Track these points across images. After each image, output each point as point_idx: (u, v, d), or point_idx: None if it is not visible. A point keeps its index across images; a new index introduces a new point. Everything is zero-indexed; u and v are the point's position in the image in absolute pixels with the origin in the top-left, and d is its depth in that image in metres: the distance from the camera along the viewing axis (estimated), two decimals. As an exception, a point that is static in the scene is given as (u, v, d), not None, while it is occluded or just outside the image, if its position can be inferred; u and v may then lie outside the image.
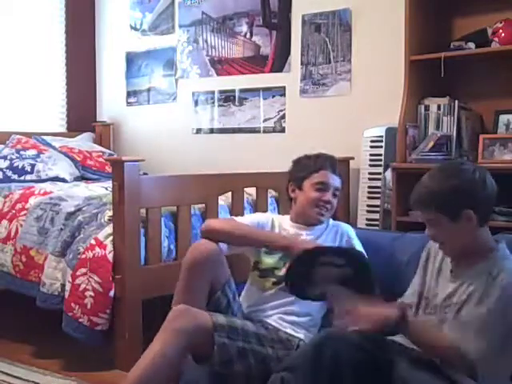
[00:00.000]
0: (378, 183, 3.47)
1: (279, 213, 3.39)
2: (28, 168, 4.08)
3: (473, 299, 1.77)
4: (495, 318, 1.71)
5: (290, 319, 2.28)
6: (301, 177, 2.44)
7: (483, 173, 1.88)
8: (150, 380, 1.97)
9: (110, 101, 5.16)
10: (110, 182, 2.95)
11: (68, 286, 2.87)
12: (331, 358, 1.68)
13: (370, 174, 3.53)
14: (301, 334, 2.25)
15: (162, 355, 1.96)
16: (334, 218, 2.57)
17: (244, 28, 4.37)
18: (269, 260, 2.36)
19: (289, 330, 2.26)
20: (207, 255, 2.23)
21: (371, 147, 3.53)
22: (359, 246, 2.42)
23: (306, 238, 2.36)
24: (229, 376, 2.11)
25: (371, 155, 3.53)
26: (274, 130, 4.26)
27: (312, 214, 2.39)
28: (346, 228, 2.48)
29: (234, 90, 4.44)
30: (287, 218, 2.49)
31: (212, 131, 4.57)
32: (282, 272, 2.29)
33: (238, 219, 2.48)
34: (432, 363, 1.79)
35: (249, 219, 2.47)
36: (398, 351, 1.84)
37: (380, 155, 3.48)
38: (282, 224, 2.45)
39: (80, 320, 2.80)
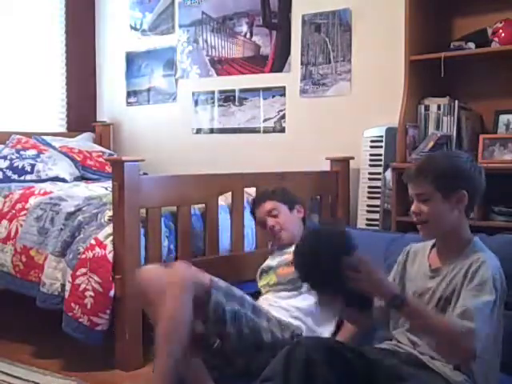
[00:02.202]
0: (378, 183, 3.47)
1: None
2: (28, 168, 4.08)
3: (456, 292, 1.78)
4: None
5: (288, 311, 2.33)
6: None
7: (479, 165, 1.93)
8: (175, 336, 1.98)
9: (110, 101, 5.16)
10: (110, 182, 2.95)
11: (68, 286, 2.87)
12: (303, 361, 1.69)
13: (369, 173, 3.53)
14: (298, 324, 2.28)
15: (177, 312, 1.99)
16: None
17: (244, 28, 4.37)
18: (265, 279, 2.52)
19: (288, 319, 2.29)
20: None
21: (371, 147, 3.53)
22: None
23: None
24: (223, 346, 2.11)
25: (371, 155, 3.53)
26: (273, 130, 4.27)
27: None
28: None
29: (234, 90, 4.44)
30: None
31: (212, 131, 4.57)
32: (275, 278, 2.45)
33: None
34: (422, 362, 1.80)
35: None
36: (385, 354, 1.86)
37: (380, 155, 3.48)
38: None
39: (80, 320, 2.80)
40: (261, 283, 2.55)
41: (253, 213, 2.74)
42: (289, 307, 2.34)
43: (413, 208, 1.89)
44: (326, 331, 2.33)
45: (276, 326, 2.20)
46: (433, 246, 1.94)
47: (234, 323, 2.08)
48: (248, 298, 2.23)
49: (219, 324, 2.07)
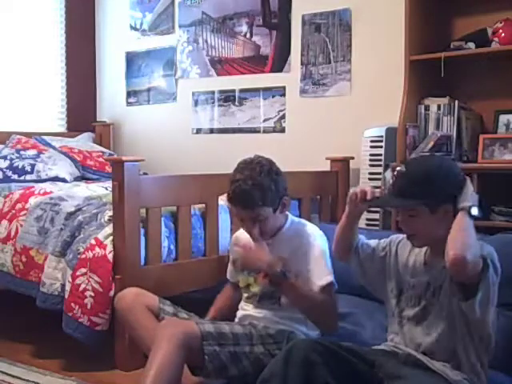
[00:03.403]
0: (378, 183, 3.47)
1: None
2: (28, 168, 4.08)
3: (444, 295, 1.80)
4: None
5: (276, 322, 2.28)
6: None
7: (454, 166, 1.92)
8: None
9: (110, 101, 5.16)
10: (110, 181, 2.95)
11: (68, 286, 2.87)
12: (301, 362, 1.73)
13: (370, 174, 3.53)
14: (290, 328, 2.26)
15: (166, 360, 1.98)
16: (333, 219, 2.57)
17: (244, 28, 4.37)
18: (243, 277, 2.40)
19: (279, 326, 2.26)
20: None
21: (371, 147, 3.53)
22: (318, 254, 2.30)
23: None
24: None
25: (371, 155, 3.52)
26: (274, 130, 4.26)
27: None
28: (307, 232, 2.35)
29: (234, 90, 4.44)
30: None
31: (212, 131, 4.57)
32: (254, 287, 2.34)
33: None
34: (421, 362, 1.81)
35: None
36: (383, 354, 1.88)
37: (380, 155, 3.48)
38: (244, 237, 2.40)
39: (80, 320, 2.80)
40: (240, 279, 2.42)
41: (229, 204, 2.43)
42: (277, 319, 2.29)
43: (400, 220, 1.90)
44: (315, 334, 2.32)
45: (272, 343, 2.17)
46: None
47: (234, 364, 2.08)
48: (237, 327, 2.20)
49: (221, 372, 2.07)
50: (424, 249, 1.95)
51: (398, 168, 1.92)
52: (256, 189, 2.18)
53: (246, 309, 2.38)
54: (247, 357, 2.11)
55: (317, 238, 2.30)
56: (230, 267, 2.56)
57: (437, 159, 1.98)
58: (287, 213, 2.39)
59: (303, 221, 2.43)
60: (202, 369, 2.06)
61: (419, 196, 1.81)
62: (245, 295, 2.39)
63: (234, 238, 2.54)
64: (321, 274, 2.22)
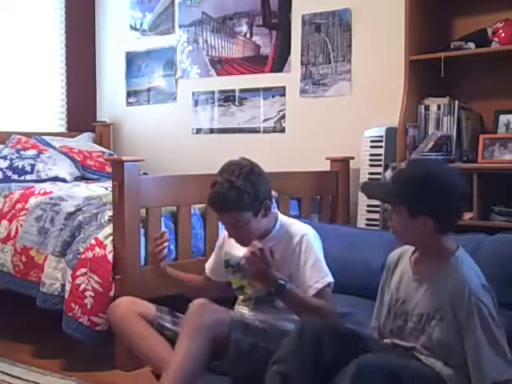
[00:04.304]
0: (378, 183, 3.47)
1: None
2: (28, 168, 4.08)
3: (447, 325, 1.77)
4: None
5: (274, 324, 2.26)
6: None
7: (455, 180, 1.82)
8: (183, 381, 1.98)
9: (110, 101, 5.16)
10: (110, 181, 2.95)
11: (68, 286, 2.87)
12: (312, 339, 1.78)
13: (370, 174, 3.52)
14: (288, 328, 2.24)
15: (188, 358, 1.97)
16: (333, 219, 2.55)
17: (244, 28, 4.37)
18: (235, 279, 2.36)
19: (283, 323, 2.24)
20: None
21: (371, 147, 3.52)
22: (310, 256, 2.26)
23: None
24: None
25: (371, 155, 3.52)
26: (274, 130, 4.26)
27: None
28: (299, 232, 2.28)
29: (234, 90, 4.44)
30: None
31: (212, 131, 4.57)
32: (248, 289, 2.30)
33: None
34: (417, 357, 1.82)
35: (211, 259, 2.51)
36: (383, 344, 1.90)
37: (380, 155, 3.48)
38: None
39: (80, 320, 2.80)
40: (232, 280, 2.38)
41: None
42: (274, 321, 2.25)
43: (387, 214, 1.91)
44: None
45: (281, 340, 2.17)
46: (414, 251, 1.93)
47: (250, 356, 2.07)
48: (257, 322, 2.19)
49: (238, 360, 2.06)
50: (410, 256, 1.94)
51: (403, 162, 1.91)
52: (232, 192, 2.12)
53: (242, 311, 2.35)
54: (262, 351, 2.08)
55: (309, 239, 2.24)
56: (212, 264, 2.48)
57: (438, 169, 1.86)
58: (278, 213, 2.35)
59: (293, 220, 2.37)
60: (222, 354, 2.04)
61: (403, 196, 1.79)
62: (240, 297, 2.35)
63: (223, 240, 2.46)
64: (317, 277, 2.19)
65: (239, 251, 2.28)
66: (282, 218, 2.34)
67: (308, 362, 1.76)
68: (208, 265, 2.50)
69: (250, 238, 2.17)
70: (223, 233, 2.45)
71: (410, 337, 1.85)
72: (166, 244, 2.34)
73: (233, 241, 2.31)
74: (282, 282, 2.06)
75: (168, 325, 2.25)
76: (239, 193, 2.12)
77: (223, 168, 2.22)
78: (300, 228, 2.28)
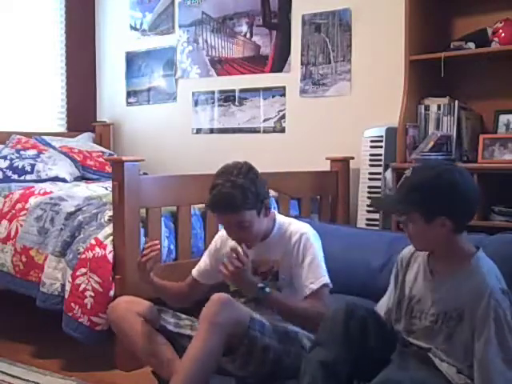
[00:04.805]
0: (378, 183, 3.47)
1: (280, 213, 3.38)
2: (28, 168, 4.08)
3: (466, 325, 1.75)
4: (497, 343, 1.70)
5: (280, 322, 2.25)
6: None
7: (465, 178, 1.82)
8: (197, 375, 1.96)
9: (110, 101, 5.16)
10: (110, 181, 2.96)
11: (68, 286, 2.87)
12: (361, 322, 1.78)
13: (370, 173, 3.53)
14: (295, 328, 2.24)
15: (206, 351, 1.95)
16: (333, 219, 2.53)
17: (244, 28, 4.37)
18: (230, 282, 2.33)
19: (283, 324, 2.23)
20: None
21: (371, 147, 3.53)
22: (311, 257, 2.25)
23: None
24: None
25: (371, 155, 3.52)
26: (274, 130, 4.26)
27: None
28: (298, 231, 2.27)
29: (234, 90, 4.44)
30: None
31: (212, 131, 4.57)
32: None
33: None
34: (430, 361, 1.81)
35: (201, 263, 2.45)
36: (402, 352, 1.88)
37: (380, 155, 3.48)
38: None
39: (80, 320, 2.80)
40: (230, 284, 2.33)
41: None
42: (277, 322, 2.21)
43: (401, 222, 1.88)
44: None
45: (288, 343, 2.13)
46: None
47: (261, 355, 2.04)
48: (272, 323, 2.15)
49: (248, 357, 2.04)
50: (426, 256, 1.92)
51: (406, 171, 1.90)
52: (236, 190, 2.10)
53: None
54: (274, 352, 2.06)
55: (309, 239, 2.23)
56: (203, 267, 2.43)
57: (445, 168, 1.85)
58: (276, 213, 2.35)
59: (291, 219, 2.36)
60: (233, 351, 2.02)
61: (415, 203, 1.78)
62: (241, 300, 2.30)
63: (221, 241, 2.41)
64: (314, 277, 2.18)
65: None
66: (279, 218, 2.34)
67: (355, 349, 1.74)
68: (198, 267, 2.44)
69: (254, 238, 2.18)
70: (220, 234, 2.43)
71: (427, 337, 1.83)
72: (153, 254, 2.25)
73: (232, 242, 2.29)
74: (261, 285, 2.06)
75: (171, 327, 2.23)
76: (243, 191, 2.11)
77: (220, 171, 2.21)
78: (299, 227, 2.28)
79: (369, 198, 3.48)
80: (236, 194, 2.10)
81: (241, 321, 2.02)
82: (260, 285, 2.08)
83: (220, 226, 3.07)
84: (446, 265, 1.84)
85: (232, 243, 2.28)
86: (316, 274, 2.19)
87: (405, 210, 1.82)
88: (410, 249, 1.98)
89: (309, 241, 2.23)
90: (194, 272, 2.45)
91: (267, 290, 2.09)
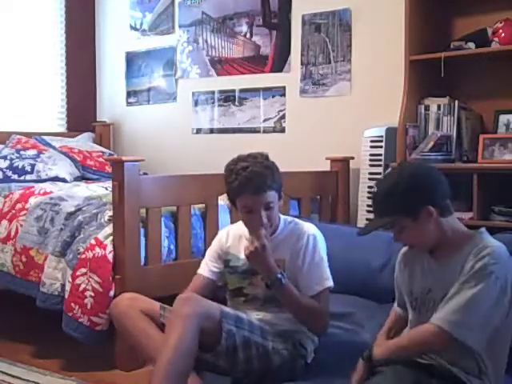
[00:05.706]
0: (378, 183, 3.47)
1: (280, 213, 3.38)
2: (28, 168, 4.08)
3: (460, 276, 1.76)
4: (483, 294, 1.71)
5: (277, 324, 2.24)
6: (229, 196, 2.30)
7: (422, 166, 1.93)
8: (177, 367, 1.95)
9: (110, 101, 5.17)
10: (110, 182, 2.96)
11: (68, 286, 2.88)
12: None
13: (370, 174, 3.52)
14: (292, 328, 2.22)
15: (182, 342, 1.95)
16: (333, 219, 2.54)
17: (244, 28, 4.37)
18: (233, 280, 2.32)
19: (282, 327, 2.23)
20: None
21: (371, 147, 3.53)
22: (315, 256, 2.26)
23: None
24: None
25: (371, 155, 3.52)
26: (274, 130, 4.26)
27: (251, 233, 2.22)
28: (306, 233, 2.28)
29: (234, 90, 4.44)
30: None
31: (212, 131, 4.57)
32: (249, 290, 2.27)
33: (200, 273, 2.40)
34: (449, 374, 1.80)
35: (205, 261, 2.40)
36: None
37: (380, 155, 3.48)
38: (244, 233, 2.31)
39: (80, 320, 2.80)
40: (229, 281, 2.33)
41: (233, 200, 2.27)
42: (279, 321, 2.24)
43: (394, 237, 1.89)
44: None
45: (280, 342, 2.15)
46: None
47: (244, 349, 2.07)
48: (254, 319, 2.18)
49: (231, 353, 2.06)
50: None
51: (372, 190, 1.93)
52: (267, 171, 2.18)
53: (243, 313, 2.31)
54: (257, 347, 2.09)
55: (317, 240, 2.26)
56: (211, 264, 2.37)
57: (402, 168, 1.98)
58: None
59: (297, 220, 2.37)
60: (214, 347, 2.03)
61: (396, 208, 1.80)
62: (241, 299, 2.30)
63: (225, 236, 2.40)
64: (319, 279, 2.21)
65: (241, 253, 2.27)
66: (283, 216, 2.35)
67: None
68: (207, 267, 2.37)
69: (273, 222, 2.23)
70: (225, 231, 2.42)
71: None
72: None
73: (235, 241, 2.31)
74: (279, 276, 2.12)
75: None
76: (272, 172, 2.20)
77: (243, 157, 2.25)
78: (308, 228, 2.31)
79: (369, 198, 3.48)
80: (267, 173, 2.18)
81: (211, 313, 2.05)
82: (279, 275, 2.13)
83: (220, 227, 3.09)
84: (449, 247, 1.84)
85: (236, 241, 2.30)
86: (321, 276, 2.22)
87: (391, 219, 1.83)
88: (406, 248, 1.99)
89: (317, 243, 2.26)
90: (206, 272, 2.37)
91: (283, 281, 2.13)
